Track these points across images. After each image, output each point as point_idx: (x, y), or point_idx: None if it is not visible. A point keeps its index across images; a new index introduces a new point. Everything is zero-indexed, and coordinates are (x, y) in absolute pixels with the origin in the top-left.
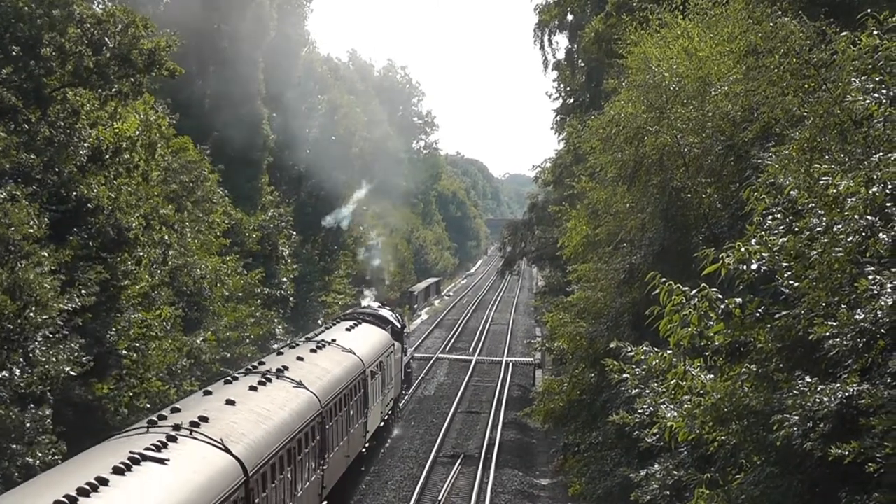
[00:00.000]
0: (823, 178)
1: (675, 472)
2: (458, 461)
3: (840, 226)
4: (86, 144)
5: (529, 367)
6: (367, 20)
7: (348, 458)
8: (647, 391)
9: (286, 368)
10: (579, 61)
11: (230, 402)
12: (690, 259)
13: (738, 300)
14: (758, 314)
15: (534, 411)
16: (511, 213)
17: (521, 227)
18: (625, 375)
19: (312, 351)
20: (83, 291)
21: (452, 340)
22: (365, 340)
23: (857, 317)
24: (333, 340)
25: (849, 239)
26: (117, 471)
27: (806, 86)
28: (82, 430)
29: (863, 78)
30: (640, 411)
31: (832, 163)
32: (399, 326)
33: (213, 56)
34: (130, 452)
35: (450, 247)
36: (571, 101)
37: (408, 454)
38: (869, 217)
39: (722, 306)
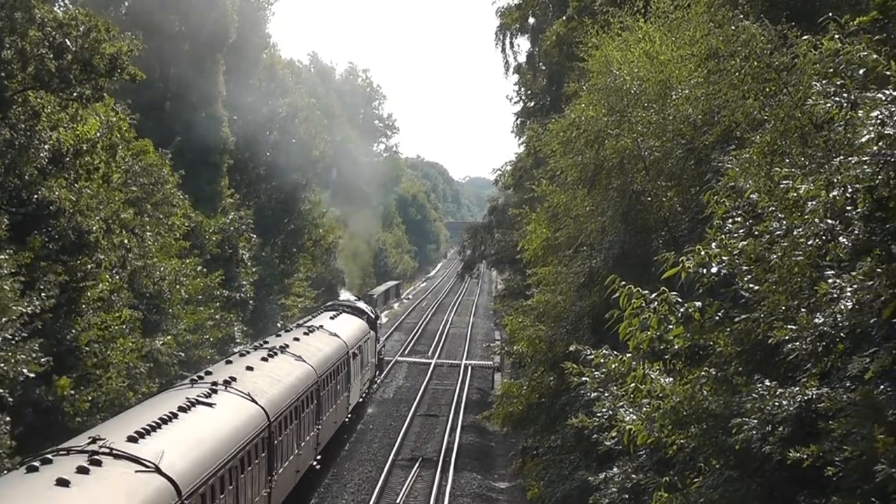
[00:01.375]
0: (784, 182)
1: (633, 476)
2: (417, 464)
3: (800, 229)
4: (46, 147)
5: (488, 370)
6: (329, 23)
7: (336, 424)
8: (607, 395)
9: (287, 346)
10: (540, 64)
11: (249, 368)
12: (650, 262)
13: (698, 304)
14: (717, 318)
15: (492, 414)
16: (471, 216)
17: (481, 230)
18: (584, 379)
19: (305, 334)
20: (43, 294)
21: (412, 343)
22: (347, 327)
23: (816, 320)
24: (321, 326)
25: (809, 242)
26: (182, 409)
27: (767, 89)
28: (43, 431)
29: (824, 82)
30: (599, 415)
31: (793, 166)
32: (373, 317)
33: (173, 59)
34: (186, 399)
35: (410, 250)
36: (532, 104)
37: (366, 457)
38: (829, 221)
39: (682, 310)
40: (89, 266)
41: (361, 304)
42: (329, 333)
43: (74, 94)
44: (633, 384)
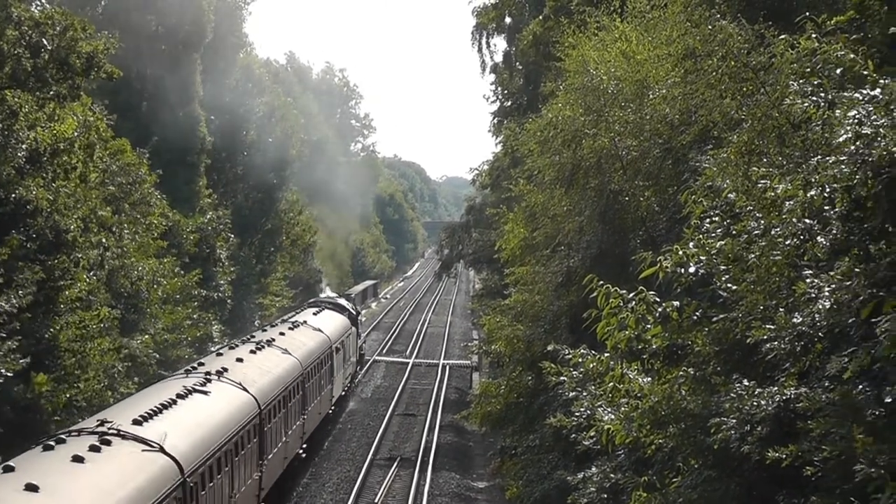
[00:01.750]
0: (761, 182)
1: (612, 476)
2: (395, 464)
3: (778, 229)
4: (24, 146)
5: (466, 369)
6: (305, 23)
7: (320, 416)
8: (585, 394)
9: (273, 340)
10: (517, 64)
11: (239, 360)
12: (628, 262)
13: (676, 303)
14: (695, 317)
15: (471, 414)
16: (448, 215)
17: (458, 229)
18: (562, 378)
19: (290, 329)
20: (20, 292)
21: (389, 343)
22: (329, 322)
23: (794, 320)
24: (305, 322)
25: (787, 242)
26: (180, 396)
27: (744, 89)
28: (21, 429)
29: (801, 81)
30: (577, 414)
31: (770, 166)
32: (354, 313)
33: (150, 58)
34: (183, 387)
35: (387, 249)
36: (509, 103)
37: (344, 456)
38: (807, 220)
39: (659, 309)
40: (67, 265)
41: (343, 301)
42: (313, 329)
43: (51, 94)
44: (611, 384)
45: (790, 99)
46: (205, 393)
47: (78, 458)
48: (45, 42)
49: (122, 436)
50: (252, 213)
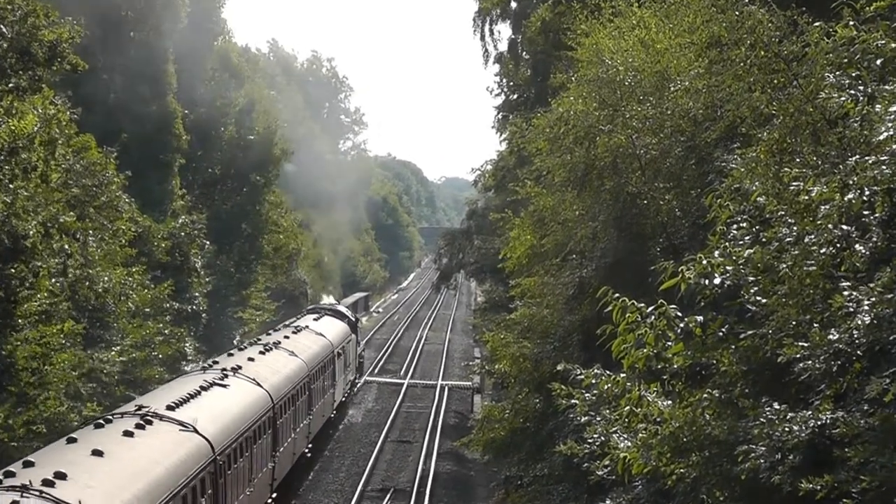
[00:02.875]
0: (794, 184)
1: None
2: (388, 496)
3: (812, 236)
4: None
5: (467, 391)
6: (289, 7)
7: (324, 418)
8: (598, 419)
9: (279, 342)
10: (524, 53)
11: (251, 359)
12: (647, 273)
13: (699, 318)
14: (721, 334)
15: (472, 440)
16: (448, 220)
17: (458, 236)
18: (573, 401)
19: (294, 333)
20: None
21: (382, 362)
22: (330, 328)
23: (830, 337)
24: (307, 326)
25: (822, 251)
26: (203, 388)
27: (775, 81)
28: None
29: (837, 73)
30: (589, 441)
31: (804, 166)
32: (353, 320)
33: (119, 47)
34: (204, 380)
35: (380, 258)
36: (515, 97)
37: (332, 486)
38: (844, 227)
39: (681, 325)
40: (25, 274)
41: (342, 308)
42: (315, 333)
43: (10, 86)
44: (627, 407)
45: (826, 92)
46: (224, 386)
47: (128, 433)
48: (4, 29)
49: (160, 417)
50: (231, 217)
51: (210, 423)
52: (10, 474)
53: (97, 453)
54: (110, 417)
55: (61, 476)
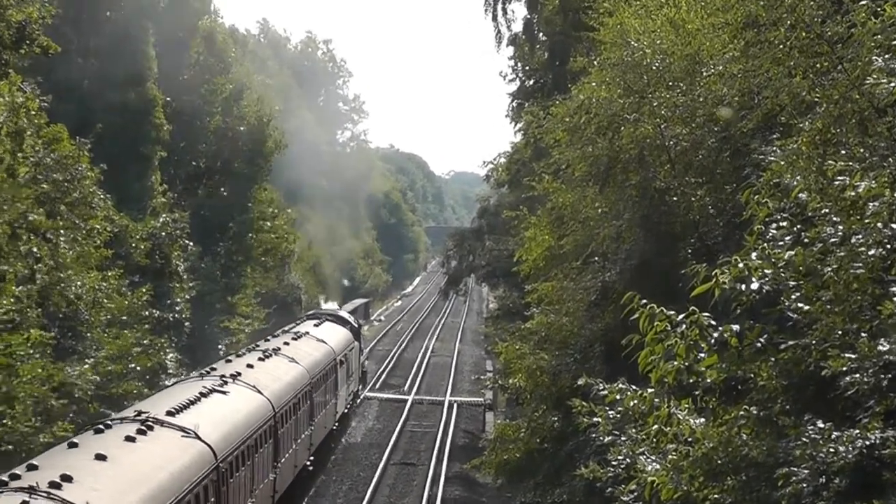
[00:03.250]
0: (839, 179)
1: None
2: None
3: (860, 236)
4: None
5: (478, 408)
6: None
7: (325, 429)
8: (623, 438)
9: (279, 349)
10: (541, 34)
11: (250, 366)
12: (677, 277)
13: (736, 327)
14: (759, 345)
15: (483, 463)
16: (457, 219)
17: (468, 236)
18: (595, 419)
19: (294, 339)
20: None
21: (384, 376)
22: (332, 334)
23: (880, 348)
24: (307, 333)
25: (870, 252)
26: (202, 395)
27: (818, 65)
28: None
29: (887, 56)
30: (614, 463)
31: (850, 159)
32: (356, 326)
33: (93, 28)
34: (203, 387)
35: (382, 261)
36: (531, 82)
37: None
38: (894, 226)
39: (715, 335)
40: None
41: (344, 313)
42: (316, 339)
43: None
44: (655, 426)
45: (873, 77)
46: (224, 393)
47: (130, 438)
48: None
49: (161, 423)
50: (217, 215)
51: (212, 429)
52: (16, 477)
53: (100, 457)
54: (110, 423)
55: (67, 479)
